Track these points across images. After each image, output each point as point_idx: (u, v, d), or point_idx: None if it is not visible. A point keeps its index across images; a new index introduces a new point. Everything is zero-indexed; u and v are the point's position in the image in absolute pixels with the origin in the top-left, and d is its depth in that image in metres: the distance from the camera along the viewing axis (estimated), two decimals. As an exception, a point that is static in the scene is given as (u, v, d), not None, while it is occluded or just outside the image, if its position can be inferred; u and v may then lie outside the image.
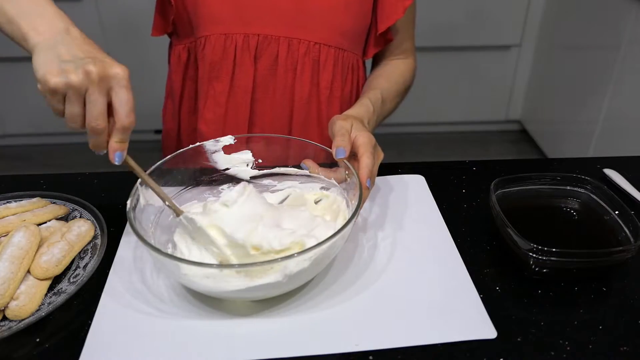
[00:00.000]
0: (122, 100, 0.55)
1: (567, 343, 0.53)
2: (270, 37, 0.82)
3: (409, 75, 0.93)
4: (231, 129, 0.87)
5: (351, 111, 0.74)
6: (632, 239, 0.61)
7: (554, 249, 0.57)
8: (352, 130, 0.66)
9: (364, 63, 0.95)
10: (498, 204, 0.64)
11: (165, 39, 0.94)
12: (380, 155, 0.68)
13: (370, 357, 0.52)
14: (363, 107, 0.76)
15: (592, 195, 0.69)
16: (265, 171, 0.72)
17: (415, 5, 0.88)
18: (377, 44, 0.90)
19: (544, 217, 0.69)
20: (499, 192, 0.68)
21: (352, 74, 0.90)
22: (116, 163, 0.58)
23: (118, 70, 0.54)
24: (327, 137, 0.86)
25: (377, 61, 0.95)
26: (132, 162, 0.60)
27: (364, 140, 0.64)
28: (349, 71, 0.89)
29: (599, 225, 0.66)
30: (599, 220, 0.66)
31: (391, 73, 0.90)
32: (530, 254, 0.58)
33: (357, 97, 0.93)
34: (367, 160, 0.63)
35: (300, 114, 0.88)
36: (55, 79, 0.53)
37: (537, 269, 0.59)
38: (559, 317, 0.56)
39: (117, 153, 0.57)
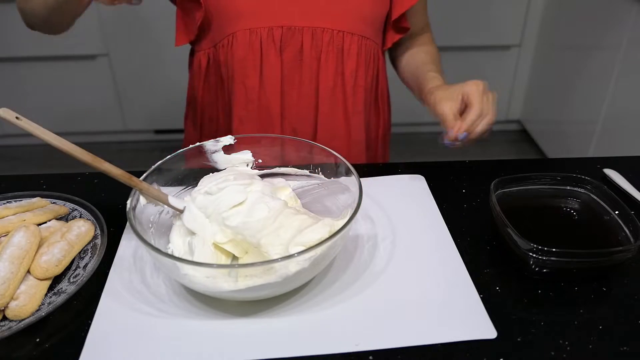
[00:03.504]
0: None
1: (567, 343, 0.53)
2: (294, 27, 0.83)
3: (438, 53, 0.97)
4: (265, 124, 0.88)
5: (438, 85, 0.80)
6: (632, 239, 0.61)
7: (554, 249, 0.57)
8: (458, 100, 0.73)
9: (383, 53, 0.96)
10: (498, 204, 0.64)
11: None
12: (492, 97, 0.73)
13: (370, 357, 0.52)
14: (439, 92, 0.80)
15: (592, 195, 0.69)
16: (265, 171, 0.72)
17: None
18: (395, 32, 0.91)
19: (544, 217, 0.69)
20: (499, 192, 0.68)
21: (374, 62, 0.91)
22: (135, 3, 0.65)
23: None
24: (354, 125, 0.90)
25: (404, 51, 0.97)
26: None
27: (472, 88, 0.72)
28: (371, 60, 0.90)
29: (599, 225, 0.66)
30: (599, 220, 0.66)
31: (434, 56, 0.94)
32: (530, 254, 0.58)
33: (377, 87, 0.95)
34: (473, 116, 0.70)
35: (326, 104, 0.88)
36: None
37: (537, 269, 0.59)
38: (559, 317, 0.56)
39: None
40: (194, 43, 0.92)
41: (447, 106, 0.72)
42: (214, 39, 0.87)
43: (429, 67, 0.88)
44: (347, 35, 0.85)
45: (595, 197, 0.68)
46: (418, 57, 0.93)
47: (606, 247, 0.61)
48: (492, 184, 0.67)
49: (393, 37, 0.92)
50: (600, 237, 0.64)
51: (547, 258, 0.57)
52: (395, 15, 0.87)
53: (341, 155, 0.68)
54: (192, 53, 0.94)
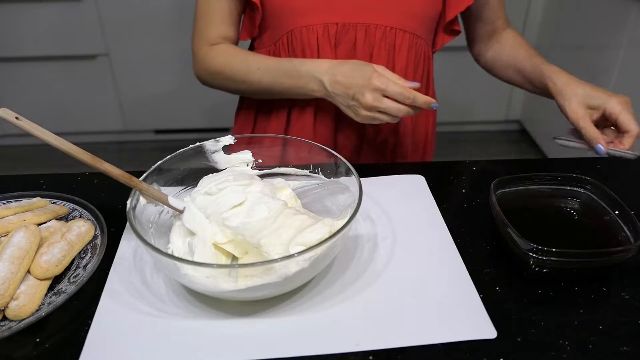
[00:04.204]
0: (395, 94, 0.73)
1: (567, 343, 0.53)
2: (348, 24, 0.84)
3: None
4: (321, 121, 0.89)
5: (572, 84, 0.82)
6: (632, 239, 0.61)
7: (554, 249, 0.57)
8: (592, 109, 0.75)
9: (433, 55, 0.97)
10: (498, 204, 0.64)
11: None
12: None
13: (370, 357, 0.52)
14: (565, 76, 0.83)
15: (592, 195, 0.69)
16: (265, 171, 0.72)
17: None
18: (446, 34, 0.93)
19: (544, 217, 0.69)
20: (499, 192, 0.68)
21: (424, 62, 0.92)
22: (434, 108, 0.74)
23: (369, 97, 0.73)
24: (402, 121, 0.93)
25: (492, 46, 1.00)
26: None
27: (624, 111, 0.73)
28: (421, 58, 0.91)
29: (599, 225, 0.66)
30: (599, 220, 0.66)
31: (528, 48, 0.94)
32: (530, 254, 0.58)
33: (427, 87, 0.96)
34: (629, 144, 0.72)
35: None
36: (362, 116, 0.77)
37: (537, 269, 0.59)
38: (559, 317, 0.56)
39: (432, 104, 0.74)
40: (254, 40, 0.94)
41: (582, 111, 0.77)
42: (273, 36, 0.89)
43: (540, 60, 0.89)
44: (399, 32, 0.86)
45: (595, 197, 0.68)
46: (518, 50, 0.94)
47: (606, 247, 0.61)
48: (492, 184, 0.67)
49: (443, 40, 0.93)
50: (600, 237, 0.64)
51: (547, 258, 0.57)
52: (450, 16, 0.88)
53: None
54: (251, 49, 0.96)
